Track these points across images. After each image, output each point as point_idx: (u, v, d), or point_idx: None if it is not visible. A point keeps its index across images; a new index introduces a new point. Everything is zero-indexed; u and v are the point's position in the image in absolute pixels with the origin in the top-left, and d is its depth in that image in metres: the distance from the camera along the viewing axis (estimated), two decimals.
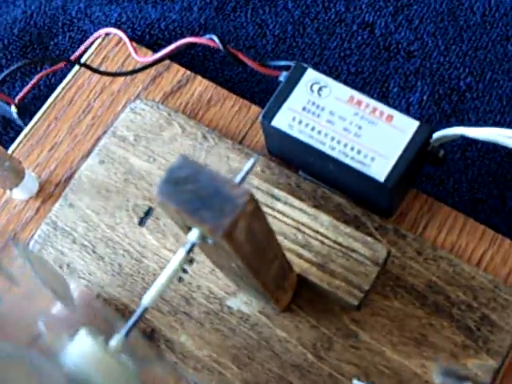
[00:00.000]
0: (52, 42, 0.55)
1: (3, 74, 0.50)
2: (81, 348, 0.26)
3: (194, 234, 0.29)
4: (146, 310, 0.28)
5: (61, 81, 0.51)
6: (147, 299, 0.29)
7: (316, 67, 0.53)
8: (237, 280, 0.38)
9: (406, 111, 0.51)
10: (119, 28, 0.51)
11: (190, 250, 0.30)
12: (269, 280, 0.35)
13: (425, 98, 0.51)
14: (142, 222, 0.44)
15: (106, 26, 0.54)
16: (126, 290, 0.43)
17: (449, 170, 0.48)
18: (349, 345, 0.40)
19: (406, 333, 0.40)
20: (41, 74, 0.52)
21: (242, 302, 0.41)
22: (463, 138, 0.41)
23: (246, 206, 0.27)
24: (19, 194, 0.46)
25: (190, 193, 0.28)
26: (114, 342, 0.27)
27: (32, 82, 0.52)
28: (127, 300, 0.42)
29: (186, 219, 0.29)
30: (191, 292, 0.42)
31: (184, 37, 0.52)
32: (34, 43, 0.55)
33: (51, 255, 0.44)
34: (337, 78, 0.52)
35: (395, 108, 0.41)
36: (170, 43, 0.48)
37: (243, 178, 0.31)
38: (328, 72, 0.53)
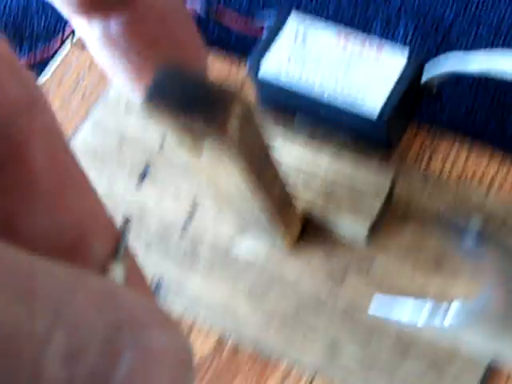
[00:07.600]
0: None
1: None
2: None
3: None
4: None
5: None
6: None
7: None
8: (246, 210, 0.36)
9: None
10: None
11: None
12: (273, 201, 0.34)
13: (409, 36, 0.49)
14: None
15: None
16: None
17: (442, 102, 0.47)
18: (363, 275, 0.39)
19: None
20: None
21: (249, 247, 0.41)
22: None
23: (236, 105, 0.26)
24: None
25: (179, 99, 0.27)
26: None
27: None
28: None
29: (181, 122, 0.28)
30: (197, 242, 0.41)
31: None
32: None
33: None
34: None
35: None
36: None
37: None
38: None
